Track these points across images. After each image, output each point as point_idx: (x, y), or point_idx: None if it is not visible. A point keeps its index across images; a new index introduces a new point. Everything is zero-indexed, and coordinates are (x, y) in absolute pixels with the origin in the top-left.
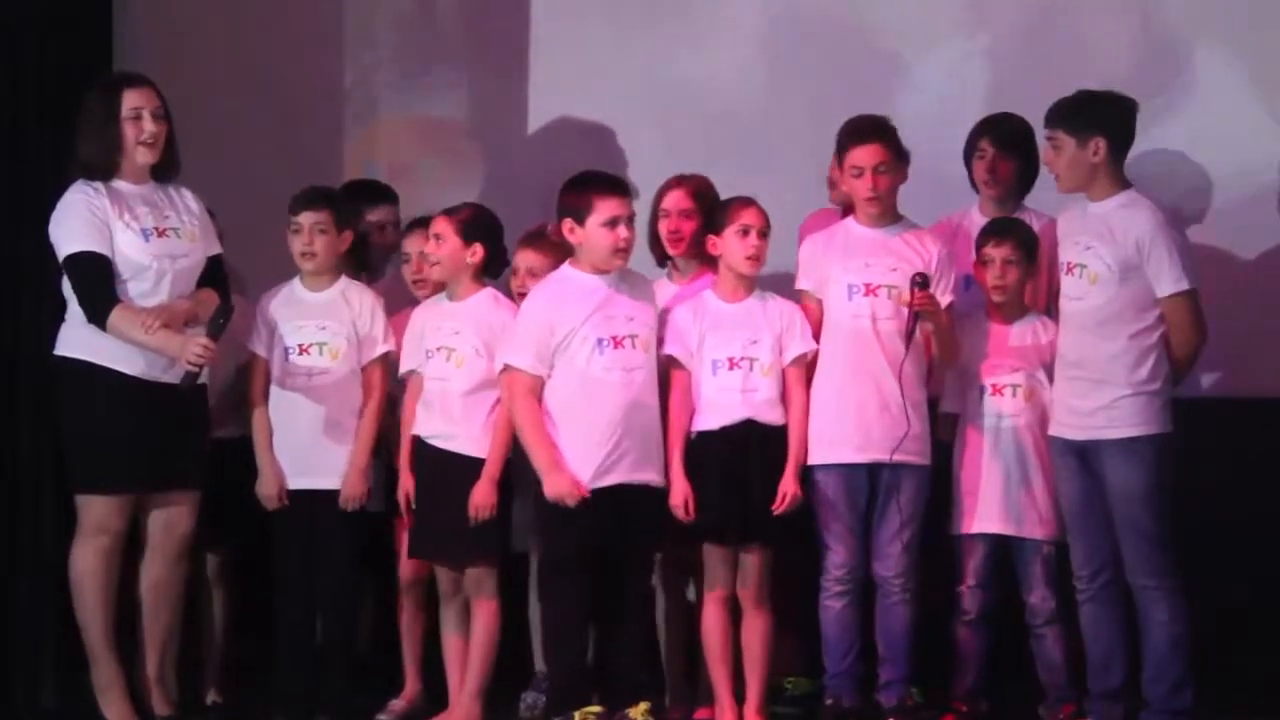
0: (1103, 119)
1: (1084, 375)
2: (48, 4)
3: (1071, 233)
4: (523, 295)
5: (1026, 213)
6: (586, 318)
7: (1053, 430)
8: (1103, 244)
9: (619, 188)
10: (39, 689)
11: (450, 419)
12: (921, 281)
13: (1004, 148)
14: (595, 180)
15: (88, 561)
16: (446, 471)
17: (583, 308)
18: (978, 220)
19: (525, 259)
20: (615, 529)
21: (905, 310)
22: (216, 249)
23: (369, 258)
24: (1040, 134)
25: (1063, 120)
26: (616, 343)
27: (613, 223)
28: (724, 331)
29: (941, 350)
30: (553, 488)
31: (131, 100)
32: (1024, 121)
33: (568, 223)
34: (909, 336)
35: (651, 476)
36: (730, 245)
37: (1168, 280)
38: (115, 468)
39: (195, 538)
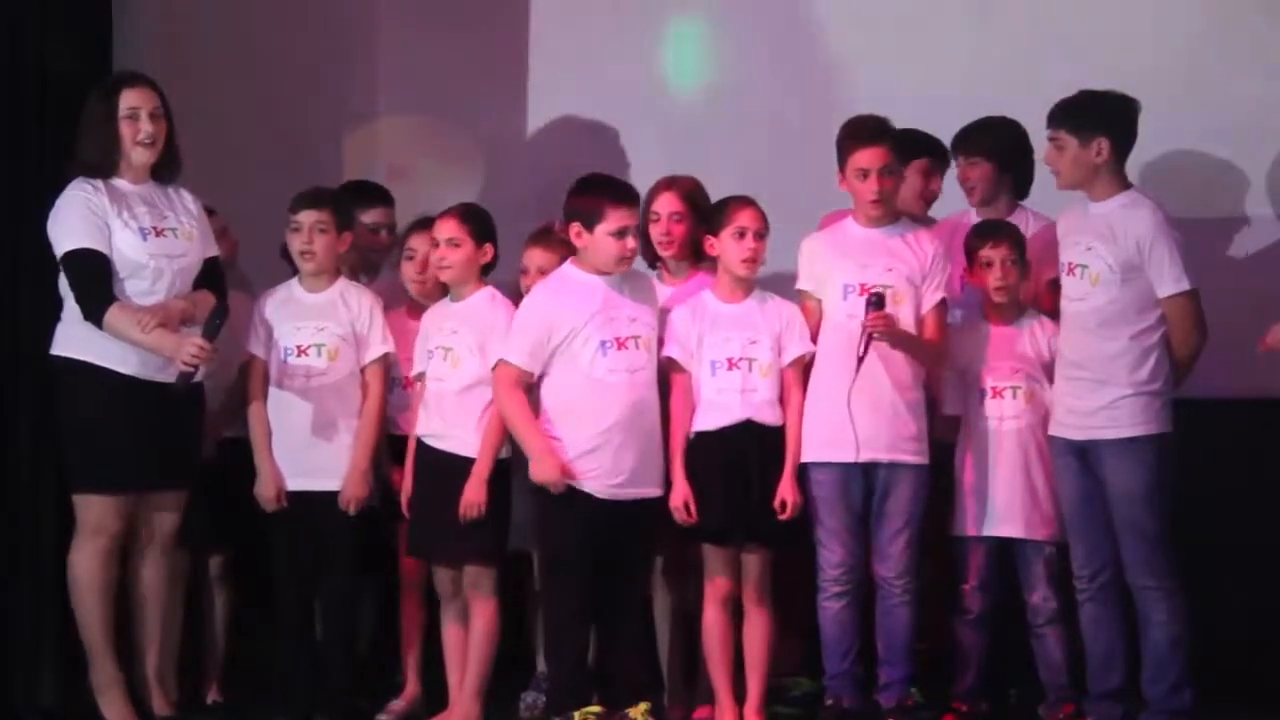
0: (1106, 119)
1: (1085, 375)
2: (48, 4)
3: (1072, 233)
4: None
5: (1024, 213)
6: (589, 319)
7: (1053, 430)
8: (1104, 244)
9: (630, 197)
10: (39, 689)
11: (445, 418)
12: (876, 301)
13: (970, 155)
14: (607, 187)
15: (86, 562)
16: (442, 471)
17: (584, 308)
18: (974, 220)
19: (534, 258)
20: (616, 531)
21: (862, 328)
22: (214, 250)
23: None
24: (1034, 134)
25: (1066, 120)
26: (620, 344)
27: (621, 233)
28: (723, 332)
29: (918, 359)
30: (541, 473)
31: (129, 100)
32: (995, 125)
33: (575, 226)
34: (860, 359)
35: (653, 487)
36: (727, 247)
37: (1168, 280)
38: (113, 467)
39: (197, 538)
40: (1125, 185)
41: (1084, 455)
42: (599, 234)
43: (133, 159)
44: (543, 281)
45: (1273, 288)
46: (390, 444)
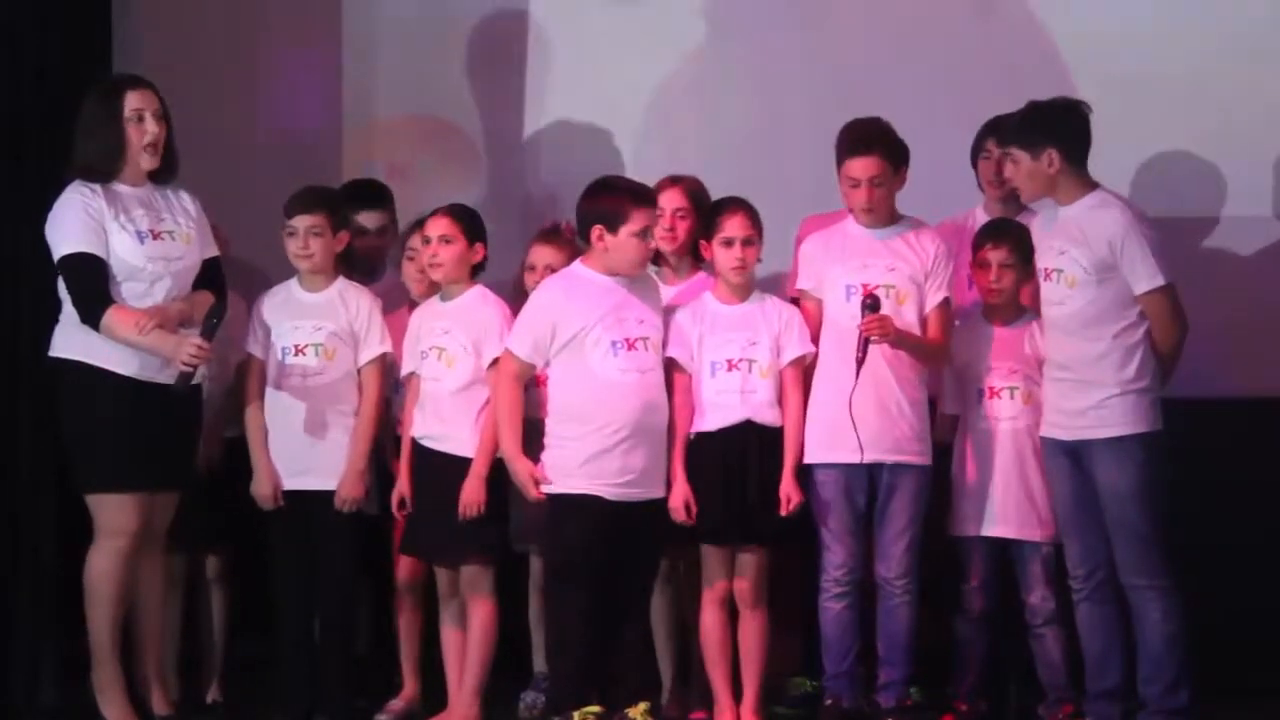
0: (1052, 130)
1: (1071, 377)
2: (48, 4)
3: (1045, 238)
4: None
5: (1030, 214)
6: (599, 318)
7: (1043, 431)
8: (1076, 247)
9: (650, 198)
10: (39, 689)
11: (442, 419)
12: (872, 304)
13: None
14: (629, 189)
15: (105, 565)
16: (440, 472)
17: (595, 307)
18: (982, 220)
19: (543, 256)
20: (624, 533)
21: (858, 331)
22: (213, 251)
23: (361, 261)
24: None
25: (1014, 136)
26: (629, 345)
27: (644, 234)
28: (723, 333)
29: (920, 359)
30: (515, 476)
31: (134, 102)
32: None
33: (597, 229)
34: (860, 362)
35: (658, 489)
36: (717, 254)
37: (1143, 277)
38: (125, 466)
39: (195, 538)
40: (1090, 186)
41: (1075, 455)
42: (623, 235)
43: (139, 162)
44: (553, 277)
45: (1269, 287)
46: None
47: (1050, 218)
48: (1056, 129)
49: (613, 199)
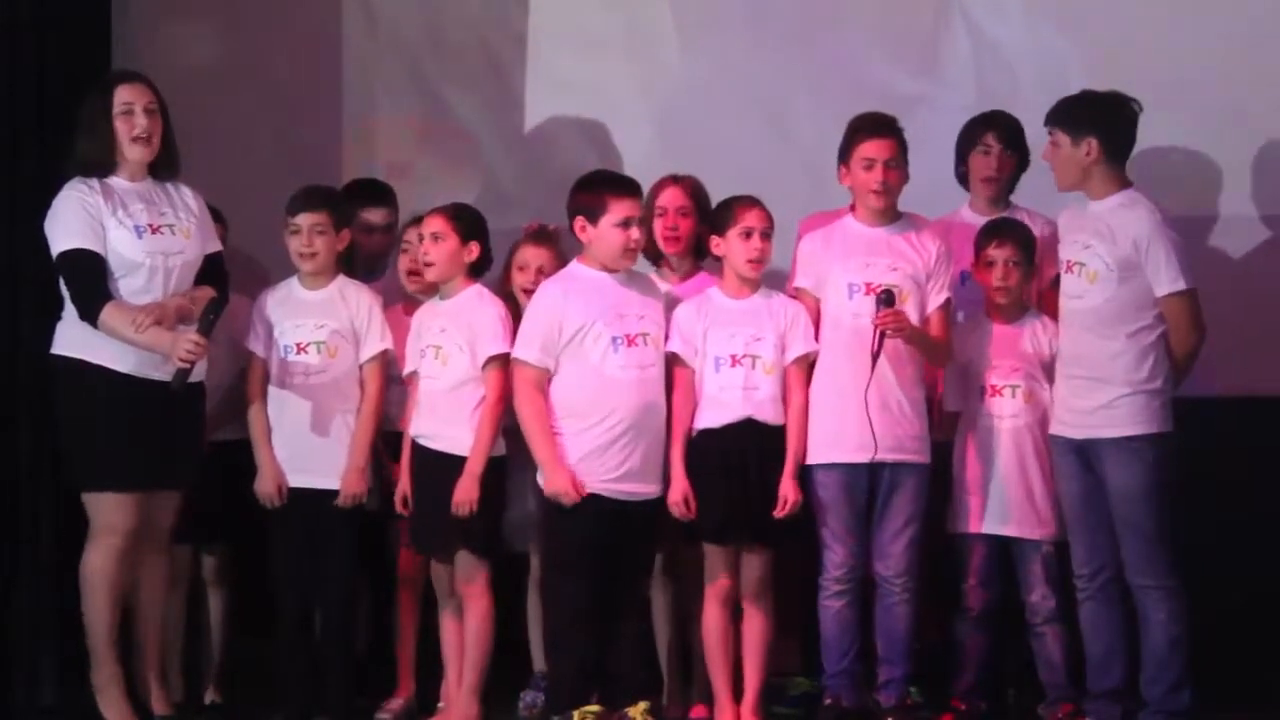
0: (1097, 120)
1: (1083, 374)
2: (48, 4)
3: (1072, 230)
4: (529, 293)
5: (1018, 210)
6: (599, 315)
7: (1053, 429)
8: (1101, 243)
9: (632, 188)
10: (39, 689)
11: (436, 417)
12: (886, 298)
13: (1008, 143)
14: (609, 180)
15: (101, 563)
16: (435, 470)
17: (594, 305)
18: (969, 218)
19: (535, 256)
20: (618, 530)
21: (873, 325)
22: (215, 246)
23: (364, 259)
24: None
25: (1060, 119)
26: (629, 341)
27: (625, 223)
28: (727, 328)
29: (927, 356)
30: (552, 484)
31: (123, 95)
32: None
33: (580, 221)
34: (875, 356)
35: (655, 486)
36: (733, 247)
37: (1165, 280)
38: (121, 464)
39: (192, 538)
40: (1124, 184)
41: (1084, 454)
42: (603, 226)
43: (129, 155)
44: (550, 279)
45: (1272, 288)
46: (388, 440)
47: (1080, 211)
48: (1102, 119)
49: (592, 190)
